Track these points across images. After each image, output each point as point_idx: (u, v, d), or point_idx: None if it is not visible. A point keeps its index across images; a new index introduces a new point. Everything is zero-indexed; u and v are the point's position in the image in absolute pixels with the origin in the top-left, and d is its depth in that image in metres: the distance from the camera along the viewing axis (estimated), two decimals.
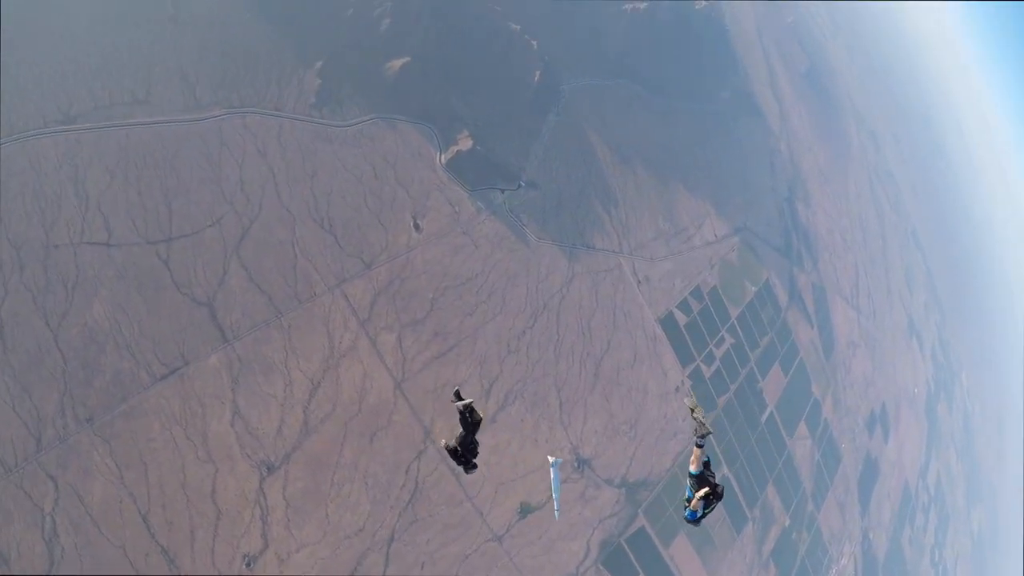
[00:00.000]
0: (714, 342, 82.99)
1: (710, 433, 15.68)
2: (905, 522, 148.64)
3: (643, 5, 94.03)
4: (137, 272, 39.80)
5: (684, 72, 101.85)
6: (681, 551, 74.45)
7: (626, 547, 67.24)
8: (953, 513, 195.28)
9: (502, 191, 64.33)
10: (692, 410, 15.83)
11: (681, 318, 78.41)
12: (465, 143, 62.14)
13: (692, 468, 15.34)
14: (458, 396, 16.77)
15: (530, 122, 72.88)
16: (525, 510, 58.59)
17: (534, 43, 74.59)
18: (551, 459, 22.00)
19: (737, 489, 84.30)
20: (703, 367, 79.72)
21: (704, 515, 15.08)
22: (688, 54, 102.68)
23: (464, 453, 16.42)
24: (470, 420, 16.40)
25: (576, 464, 62.95)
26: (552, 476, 22.73)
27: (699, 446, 15.57)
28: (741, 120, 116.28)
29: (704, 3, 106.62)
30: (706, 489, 14.93)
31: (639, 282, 73.86)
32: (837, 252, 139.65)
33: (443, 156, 60.87)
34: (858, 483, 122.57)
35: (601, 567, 64.52)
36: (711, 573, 79.60)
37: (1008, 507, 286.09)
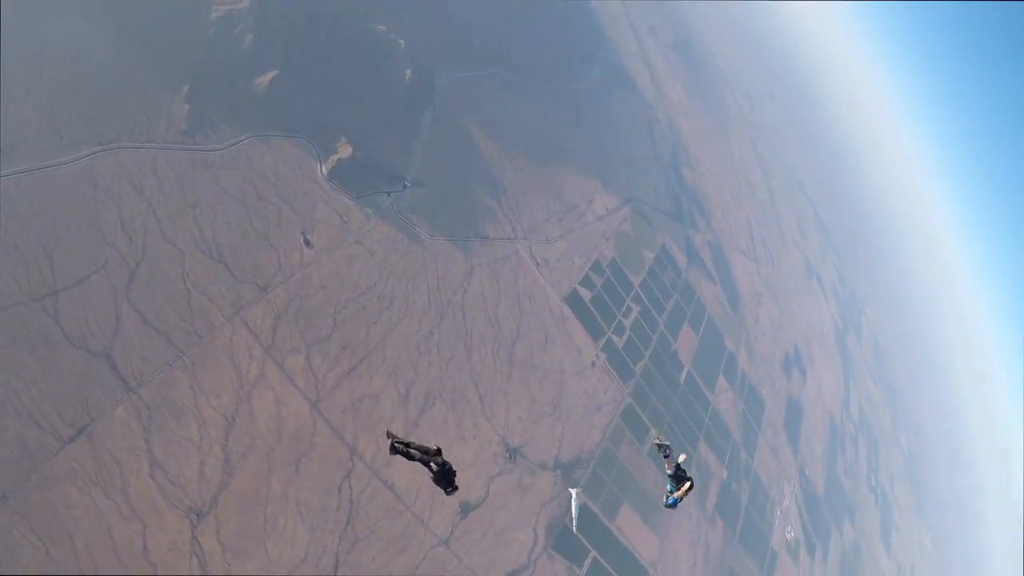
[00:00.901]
0: (621, 312, 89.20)
1: (668, 446, 21.68)
2: (837, 454, 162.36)
3: None
4: (27, 333, 39.76)
5: (553, 53, 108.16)
6: (628, 521, 79.61)
7: (572, 528, 72.18)
8: (881, 437, 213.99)
9: (388, 194, 66.52)
10: (658, 445, 21.40)
11: (585, 294, 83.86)
12: (345, 151, 64.40)
13: (668, 471, 20.91)
14: (393, 445, 18.54)
15: (407, 121, 75.70)
16: (465, 509, 61.65)
17: (401, 42, 77.58)
18: (572, 492, 26.61)
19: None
20: (615, 338, 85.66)
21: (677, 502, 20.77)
22: (555, 35, 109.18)
23: (443, 476, 18.31)
24: (422, 457, 18.15)
25: (507, 454, 66.70)
26: (573, 505, 26.90)
27: (666, 456, 21.33)
28: (616, 94, 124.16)
29: None
30: (689, 483, 20.65)
31: (538, 265, 78.48)
32: (728, 209, 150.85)
33: (324, 167, 62.41)
34: (785, 425, 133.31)
35: (552, 552, 68.11)
36: (661, 538, 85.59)
37: (931, 421, 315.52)
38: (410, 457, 18.30)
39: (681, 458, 21.61)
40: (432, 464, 18.19)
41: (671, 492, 21.01)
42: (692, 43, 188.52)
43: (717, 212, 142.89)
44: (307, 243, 54.58)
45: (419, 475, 58.06)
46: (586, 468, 75.18)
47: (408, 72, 77.44)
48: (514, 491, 66.83)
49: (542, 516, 68.28)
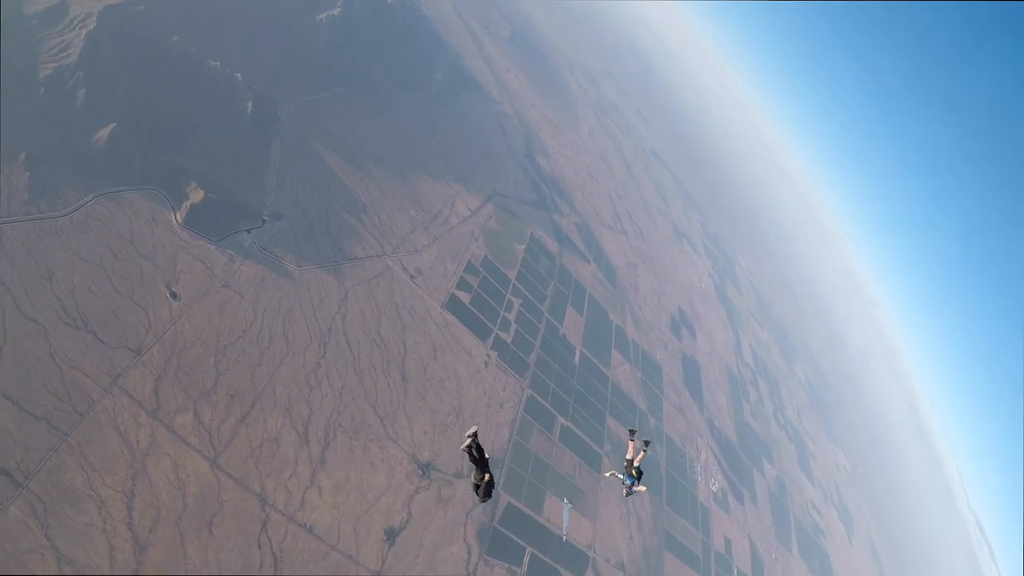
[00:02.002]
0: (503, 308, 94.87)
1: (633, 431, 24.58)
2: (741, 401, 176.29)
3: (337, 11, 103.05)
4: None
5: (394, 65, 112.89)
6: (556, 510, 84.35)
7: (502, 529, 75.75)
8: (779, 376, 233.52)
9: (249, 231, 68.19)
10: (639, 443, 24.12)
11: (464, 297, 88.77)
12: (197, 195, 65.42)
13: (629, 456, 23.59)
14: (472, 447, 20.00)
15: (257, 155, 77.61)
16: (391, 535, 64.17)
17: (238, 76, 79.17)
18: (566, 503, 29.77)
19: (581, 434, 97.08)
20: (502, 335, 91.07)
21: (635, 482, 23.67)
22: (393, 47, 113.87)
23: (486, 488, 20.12)
24: (478, 456, 19.76)
25: (420, 471, 69.88)
26: (564, 515, 30.17)
27: (632, 440, 24.02)
28: (461, 96, 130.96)
29: None
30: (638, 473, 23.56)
31: (412, 276, 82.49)
32: (588, 188, 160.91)
33: (178, 215, 63.31)
34: (685, 384, 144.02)
35: (488, 558, 72.04)
36: (592, 519, 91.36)
37: (823, 350, 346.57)
38: (475, 461, 19.94)
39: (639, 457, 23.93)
40: (487, 475, 20.09)
41: (630, 485, 23.66)
42: (527, 33, 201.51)
43: (578, 194, 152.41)
44: (174, 296, 55.72)
45: (337, 511, 60.92)
46: (502, 466, 79.50)
47: (249, 105, 79.37)
48: (436, 506, 69.90)
49: (469, 525, 71.99)
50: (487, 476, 20.26)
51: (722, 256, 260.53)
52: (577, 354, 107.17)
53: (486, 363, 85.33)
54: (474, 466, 20.28)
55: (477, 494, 20.52)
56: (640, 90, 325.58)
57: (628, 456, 23.96)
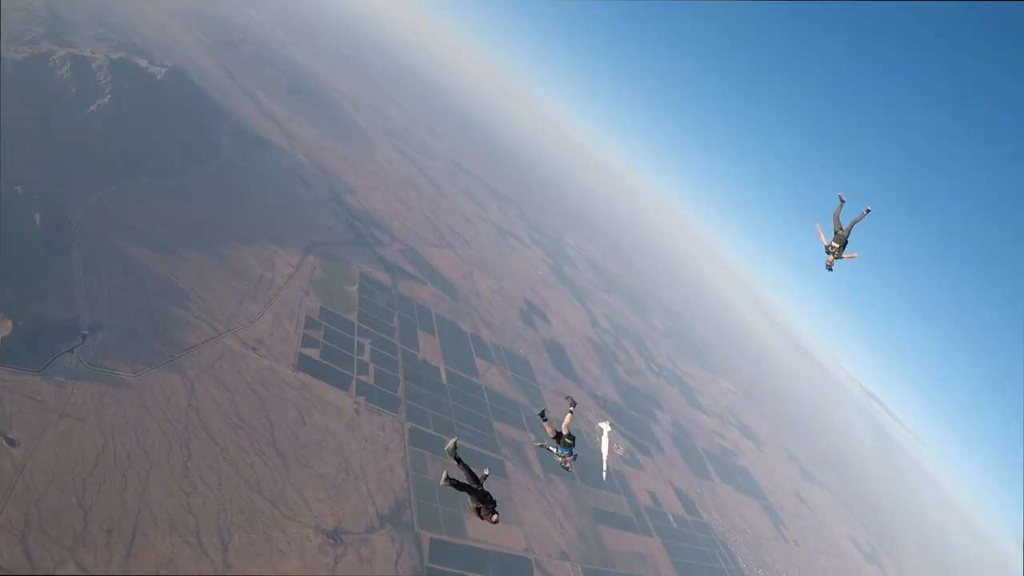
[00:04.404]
0: (356, 352, 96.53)
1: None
2: (613, 364, 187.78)
3: (107, 99, 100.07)
4: None
5: (178, 142, 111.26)
6: (479, 529, 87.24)
7: (436, 567, 77.46)
8: (639, 331, 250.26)
9: (71, 351, 65.44)
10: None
11: (313, 353, 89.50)
12: (5, 327, 62.24)
13: (564, 430, 23.13)
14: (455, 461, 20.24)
15: (58, 268, 74.23)
16: None
17: (18, 189, 75.35)
18: (604, 427, 27.52)
19: (474, 447, 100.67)
20: (362, 378, 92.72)
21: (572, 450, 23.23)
22: (173, 124, 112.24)
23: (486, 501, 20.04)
24: (469, 477, 20.07)
25: (331, 540, 70.37)
26: (604, 443, 27.75)
27: (571, 412, 23.66)
28: (253, 157, 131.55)
29: (161, 68, 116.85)
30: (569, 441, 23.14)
31: (254, 349, 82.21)
32: (402, 215, 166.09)
33: None
34: (556, 367, 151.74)
35: None
36: (517, 523, 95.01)
37: (669, 295, 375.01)
38: (465, 488, 20.17)
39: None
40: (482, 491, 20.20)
41: (567, 456, 23.45)
42: (304, 82, 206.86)
43: (394, 222, 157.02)
44: (11, 443, 53.10)
45: None
46: (410, 506, 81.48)
47: (37, 216, 75.89)
48: (360, 568, 70.28)
49: (401, 575, 73.42)
50: (480, 497, 20.12)
51: (550, 241, 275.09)
52: (443, 373, 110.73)
53: (356, 411, 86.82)
54: (467, 493, 20.22)
55: (481, 517, 20.29)
56: (428, 109, 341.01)
57: (553, 432, 23.49)
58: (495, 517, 20.34)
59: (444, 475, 20.03)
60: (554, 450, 23.67)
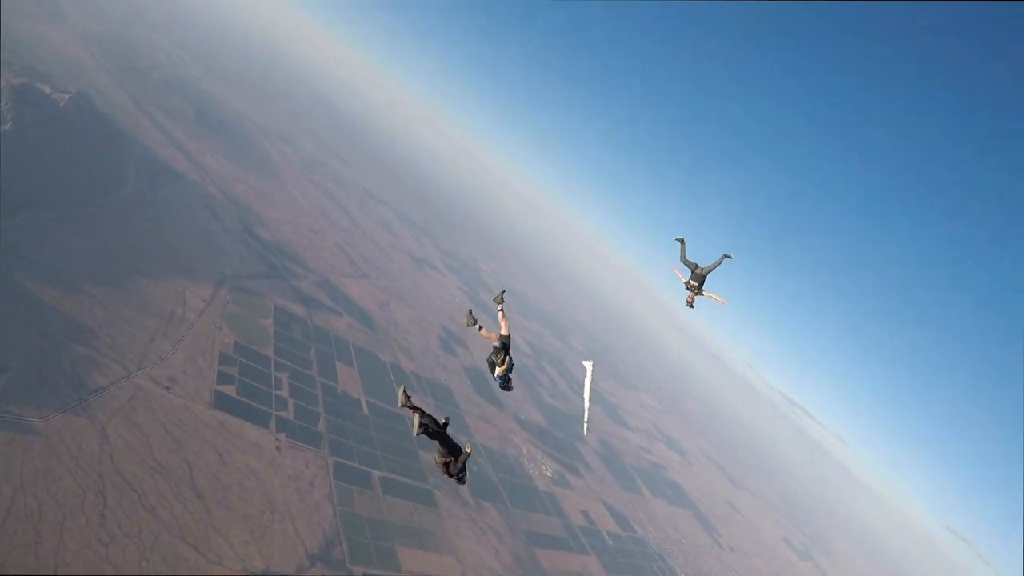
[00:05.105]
0: (273, 387, 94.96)
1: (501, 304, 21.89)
2: (536, 388, 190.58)
3: (8, 126, 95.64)
4: None
5: (84, 172, 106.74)
6: (413, 560, 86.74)
7: None
8: (559, 354, 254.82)
9: None
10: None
11: (229, 390, 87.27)
12: None
13: (504, 332, 21.11)
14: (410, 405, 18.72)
15: None
16: None
17: None
18: (588, 365, 24.44)
19: (402, 478, 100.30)
20: (281, 414, 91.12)
21: (508, 376, 21.22)
22: (78, 153, 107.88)
23: (459, 468, 18.81)
24: (434, 428, 18.59)
25: None
26: (588, 382, 26.06)
27: (481, 328, 21.36)
28: (161, 188, 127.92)
29: (65, 95, 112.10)
30: (507, 356, 21.00)
31: (167, 388, 79.62)
32: (316, 245, 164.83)
33: None
34: (477, 393, 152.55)
35: None
36: (450, 551, 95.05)
37: (586, 314, 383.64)
38: (434, 435, 18.82)
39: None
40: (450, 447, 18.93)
41: (494, 365, 21.40)
42: (212, 111, 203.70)
43: (308, 253, 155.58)
44: None
45: None
46: (338, 543, 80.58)
47: None
48: None
49: None
50: (455, 450, 19.11)
51: (465, 268, 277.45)
52: (364, 405, 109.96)
53: (278, 448, 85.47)
54: (435, 441, 19.01)
55: (451, 475, 19.17)
56: (338, 137, 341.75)
57: (497, 338, 21.35)
58: (466, 476, 19.53)
59: (402, 390, 19.46)
60: (496, 360, 21.46)
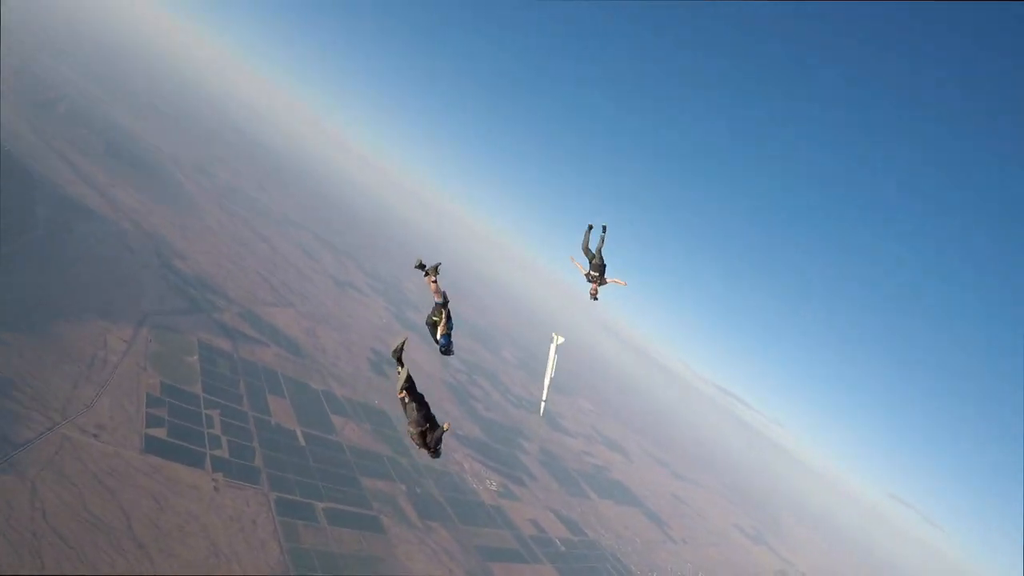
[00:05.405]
0: (205, 425, 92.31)
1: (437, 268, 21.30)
2: (470, 402, 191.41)
3: None
4: None
5: None
6: None
7: None
8: (491, 367, 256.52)
9: None
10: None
11: (160, 432, 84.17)
12: None
13: (438, 299, 20.84)
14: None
15: None
16: None
17: None
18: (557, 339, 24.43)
19: (347, 507, 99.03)
20: (216, 453, 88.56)
21: (449, 336, 21.03)
22: None
23: (435, 439, 18.15)
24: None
25: None
26: (552, 355, 24.63)
27: (435, 281, 21.03)
28: (74, 226, 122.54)
29: None
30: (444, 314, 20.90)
31: (95, 436, 76.33)
32: (236, 276, 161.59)
33: None
34: (424, 416, 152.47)
35: None
36: None
37: (517, 327, 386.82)
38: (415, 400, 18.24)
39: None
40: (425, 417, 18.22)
41: (435, 325, 21.12)
42: (123, 143, 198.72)
43: (229, 284, 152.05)
44: None
45: None
46: None
47: None
48: None
49: None
50: (432, 421, 18.33)
51: (389, 288, 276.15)
52: (300, 436, 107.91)
53: (216, 488, 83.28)
54: (414, 405, 18.36)
55: (427, 446, 18.49)
56: (253, 164, 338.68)
57: (437, 299, 21.24)
58: (440, 449, 18.86)
59: (404, 340, 18.93)
60: (437, 319, 21.40)
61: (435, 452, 18.94)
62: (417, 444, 18.73)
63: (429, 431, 18.66)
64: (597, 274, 24.07)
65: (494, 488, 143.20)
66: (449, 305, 21.58)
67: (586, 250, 24.43)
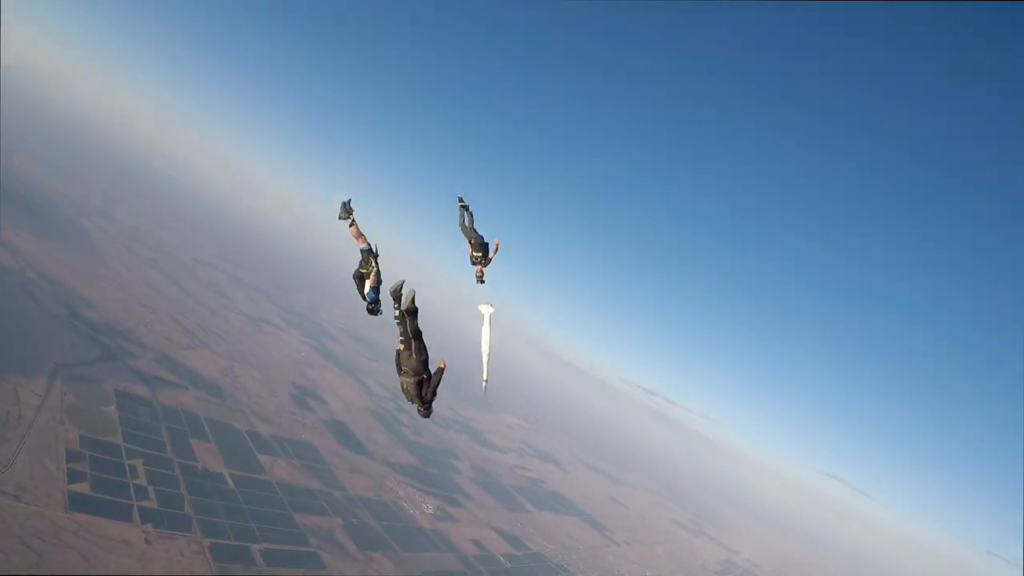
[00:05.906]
0: (130, 476, 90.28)
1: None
2: (398, 428, 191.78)
3: None
4: None
5: None
6: None
7: None
8: None
9: None
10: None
11: (82, 488, 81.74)
12: None
13: (362, 245, 17.88)
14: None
15: None
16: None
17: None
18: (485, 310, 21.66)
19: (283, 546, 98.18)
20: (144, 504, 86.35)
21: (377, 291, 17.74)
22: None
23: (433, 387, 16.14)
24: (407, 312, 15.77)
25: None
26: (485, 330, 21.27)
27: (353, 223, 17.73)
28: None
29: None
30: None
31: (17, 497, 73.72)
32: (148, 320, 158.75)
33: None
34: (343, 446, 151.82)
35: None
36: None
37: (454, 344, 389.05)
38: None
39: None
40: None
41: (373, 279, 18.28)
42: (19, 188, 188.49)
43: (142, 329, 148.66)
44: None
45: None
46: None
47: None
48: None
49: None
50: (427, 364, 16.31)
51: (305, 321, 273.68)
52: (228, 478, 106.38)
53: (147, 540, 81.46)
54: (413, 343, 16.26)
55: (422, 397, 16.44)
56: (155, 204, 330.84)
57: (361, 246, 18.36)
58: (433, 399, 16.77)
59: (413, 294, 16.15)
60: (365, 271, 18.47)
61: (428, 407, 16.62)
62: (411, 397, 16.51)
63: (426, 381, 16.43)
64: (480, 254, 21.87)
65: (431, 512, 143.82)
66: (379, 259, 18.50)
67: (464, 228, 22.06)
